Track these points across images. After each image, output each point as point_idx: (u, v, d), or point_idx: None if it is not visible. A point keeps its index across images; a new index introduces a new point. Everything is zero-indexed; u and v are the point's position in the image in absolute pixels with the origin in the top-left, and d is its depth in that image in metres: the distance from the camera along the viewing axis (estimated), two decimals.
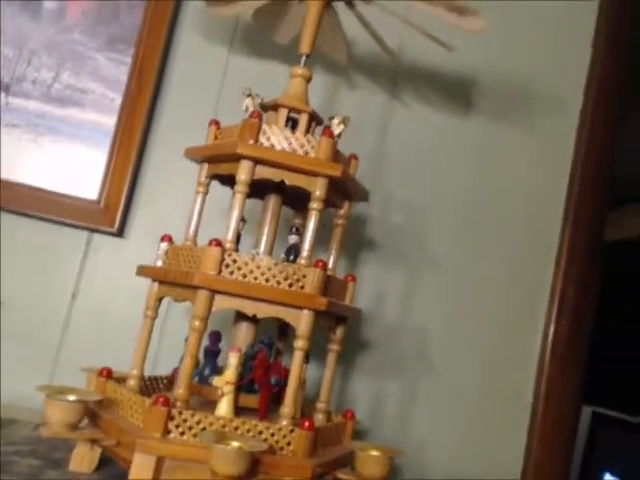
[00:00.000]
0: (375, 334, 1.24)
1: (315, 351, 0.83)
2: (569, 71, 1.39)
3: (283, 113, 0.86)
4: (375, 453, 0.79)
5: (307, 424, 0.73)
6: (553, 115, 1.37)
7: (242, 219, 0.82)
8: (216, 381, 0.75)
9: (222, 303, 0.74)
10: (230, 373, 0.75)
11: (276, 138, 0.79)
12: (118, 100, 1.17)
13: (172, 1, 1.19)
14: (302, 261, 0.79)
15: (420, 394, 1.26)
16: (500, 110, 1.34)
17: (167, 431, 0.69)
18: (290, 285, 0.75)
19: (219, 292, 0.73)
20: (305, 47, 0.88)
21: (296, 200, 0.92)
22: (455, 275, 1.30)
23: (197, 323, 0.73)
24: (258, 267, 0.75)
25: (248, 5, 1.02)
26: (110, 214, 1.14)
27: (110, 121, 1.16)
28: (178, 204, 1.14)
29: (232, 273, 0.74)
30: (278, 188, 0.88)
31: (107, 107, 1.17)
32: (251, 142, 0.78)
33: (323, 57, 1.10)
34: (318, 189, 0.78)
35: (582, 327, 1.35)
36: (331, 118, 0.86)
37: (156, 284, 0.83)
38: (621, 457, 2.49)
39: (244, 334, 0.87)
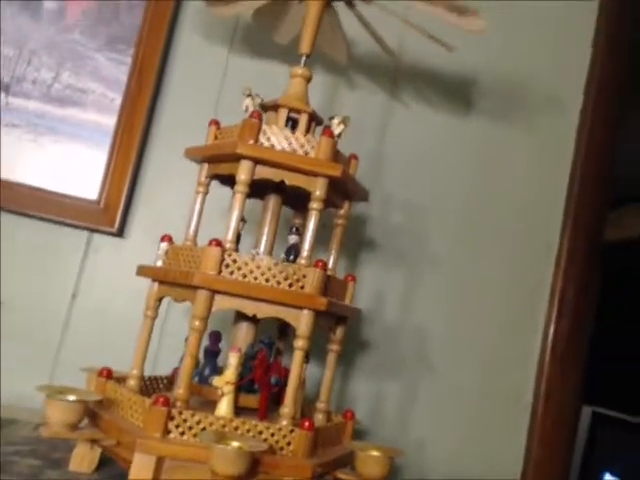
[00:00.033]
0: (375, 334, 1.24)
1: (315, 351, 0.83)
2: (569, 71, 1.39)
3: (283, 113, 0.86)
4: (375, 453, 0.79)
5: (307, 424, 0.73)
6: (553, 115, 1.37)
7: (242, 219, 0.82)
8: (216, 381, 0.75)
9: (222, 303, 0.74)
10: (230, 373, 0.75)
11: (276, 138, 0.79)
12: (118, 100, 1.17)
13: (172, 1, 1.19)
14: (302, 261, 0.79)
15: (420, 394, 1.26)
16: (500, 110, 1.34)
17: (167, 431, 0.69)
18: (290, 285, 0.75)
19: (219, 292, 0.73)
20: (305, 47, 0.88)
21: (296, 200, 0.92)
22: (455, 275, 1.30)
23: (197, 323, 0.73)
24: (258, 267, 0.75)
25: (248, 5, 1.02)
26: (110, 214, 1.14)
27: (110, 121, 1.16)
28: (178, 204, 1.14)
29: (232, 273, 0.74)
30: (278, 188, 0.88)
31: (107, 107, 1.17)
32: (251, 142, 0.78)
33: (323, 57, 1.10)
34: (318, 189, 0.78)
35: (582, 327, 1.35)
36: (331, 118, 0.86)
37: (156, 284, 0.83)
38: (621, 457, 2.49)
39: (244, 334, 0.88)
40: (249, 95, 0.86)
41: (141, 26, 1.18)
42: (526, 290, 1.33)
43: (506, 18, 1.34)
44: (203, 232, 0.86)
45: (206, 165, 0.86)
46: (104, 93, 1.17)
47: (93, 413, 0.76)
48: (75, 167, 1.15)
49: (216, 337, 0.90)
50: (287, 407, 0.75)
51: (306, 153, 0.79)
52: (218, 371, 0.85)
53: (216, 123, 0.85)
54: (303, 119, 0.86)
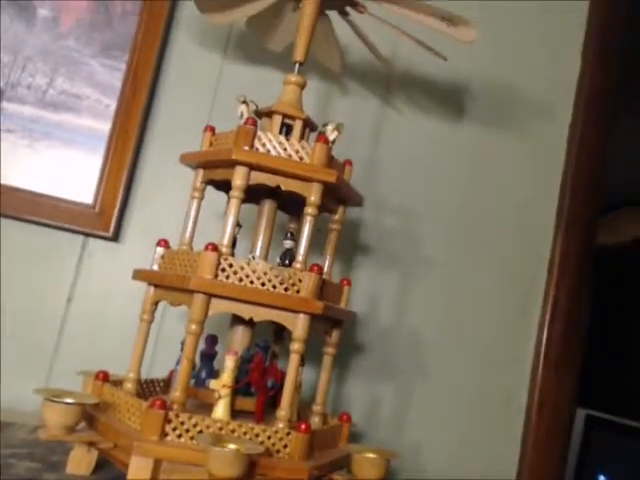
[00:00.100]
0: (370, 337, 1.25)
1: (310, 354, 0.84)
2: (560, 79, 1.41)
3: (277, 120, 0.87)
4: (371, 455, 0.79)
5: (303, 427, 0.74)
6: (544, 122, 1.39)
7: (238, 224, 0.83)
8: (213, 384, 0.76)
9: (218, 307, 0.75)
10: (227, 376, 0.76)
11: (271, 144, 0.80)
12: (113, 106, 1.17)
13: (166, 8, 1.20)
14: (297, 265, 0.80)
15: (415, 397, 1.26)
16: (492, 117, 1.36)
17: (164, 434, 0.70)
18: (286, 289, 0.76)
19: (215, 296, 0.74)
20: (299, 55, 0.89)
21: (291, 205, 0.93)
22: (449, 278, 1.31)
23: (193, 327, 0.74)
24: (254, 271, 0.76)
25: (242, 13, 1.04)
26: (105, 218, 1.15)
27: (105, 126, 1.17)
28: (173, 208, 1.15)
29: (228, 277, 0.75)
30: (273, 193, 0.89)
31: (102, 113, 1.17)
32: (246, 148, 0.79)
33: (317, 64, 1.11)
34: (313, 194, 0.79)
35: (575, 331, 1.35)
36: (325, 125, 0.87)
37: (152, 288, 0.84)
38: (615, 460, 2.50)
39: (240, 337, 0.88)
40: (244, 102, 0.86)
41: (135, 33, 1.19)
42: (519, 293, 1.35)
43: (498, 27, 1.36)
44: (198, 236, 0.87)
45: (201, 171, 0.87)
46: (99, 99, 1.18)
47: (90, 416, 0.77)
48: (70, 172, 1.15)
49: (212, 340, 0.91)
50: (283, 410, 0.76)
51: (301, 159, 0.80)
52: (214, 374, 0.86)
53: (211, 129, 0.86)
54: (297, 125, 0.87)
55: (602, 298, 2.29)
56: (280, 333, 0.97)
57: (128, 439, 0.70)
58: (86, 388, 0.89)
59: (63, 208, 1.14)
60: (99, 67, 1.18)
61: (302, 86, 0.89)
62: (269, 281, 0.76)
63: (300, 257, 0.80)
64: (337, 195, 0.87)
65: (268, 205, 0.91)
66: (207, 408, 0.77)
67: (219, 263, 0.75)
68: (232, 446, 0.66)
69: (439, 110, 1.33)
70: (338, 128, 0.87)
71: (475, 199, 1.34)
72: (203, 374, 0.87)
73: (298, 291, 0.76)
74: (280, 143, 0.80)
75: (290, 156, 0.80)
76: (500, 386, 1.32)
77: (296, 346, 0.76)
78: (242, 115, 0.85)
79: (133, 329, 0.85)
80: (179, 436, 0.70)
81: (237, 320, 0.88)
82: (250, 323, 0.86)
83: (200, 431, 0.71)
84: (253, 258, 0.84)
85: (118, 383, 0.84)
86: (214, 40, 1.23)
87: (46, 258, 1.14)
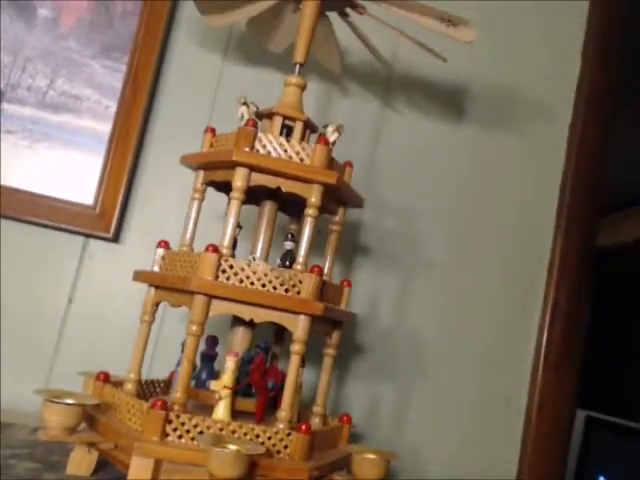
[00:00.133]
0: (370, 338, 1.25)
1: (311, 355, 0.84)
2: (560, 79, 1.41)
3: (278, 121, 0.87)
4: (371, 456, 0.80)
5: (304, 427, 0.74)
6: (544, 122, 1.39)
7: (238, 225, 0.83)
8: (213, 385, 0.76)
9: (219, 308, 0.75)
10: (227, 377, 0.76)
11: (272, 146, 0.80)
12: (113, 107, 1.18)
13: (167, 10, 1.20)
14: (298, 267, 0.80)
15: (415, 398, 1.27)
16: (491, 118, 1.36)
17: (165, 434, 0.70)
18: (286, 290, 0.76)
19: (216, 297, 0.74)
20: (299, 56, 0.90)
21: (291, 206, 0.93)
22: (449, 279, 1.31)
23: (194, 328, 0.74)
24: (254, 272, 0.76)
25: (243, 14, 1.04)
26: (105, 219, 1.15)
27: (105, 128, 1.17)
28: (173, 210, 1.15)
29: (229, 278, 0.75)
30: (274, 195, 0.89)
31: (102, 114, 1.17)
32: (247, 149, 0.79)
33: (317, 65, 1.12)
34: (313, 196, 0.80)
35: (575, 332, 1.35)
36: (325, 126, 0.87)
37: (153, 289, 0.84)
38: (615, 461, 2.50)
39: (240, 338, 0.88)
40: (244, 103, 0.87)
41: (136, 34, 1.19)
42: (519, 293, 1.35)
43: (498, 28, 1.36)
44: (199, 238, 0.87)
45: (202, 172, 0.87)
46: (99, 100, 1.18)
47: (91, 417, 0.77)
48: (70, 173, 1.15)
49: (213, 341, 0.91)
50: (284, 411, 0.76)
51: (301, 160, 0.80)
52: (215, 375, 0.86)
53: (212, 130, 0.86)
54: (298, 127, 0.87)
55: (602, 298, 2.29)
56: (280, 334, 0.97)
57: (129, 440, 0.70)
58: (86, 389, 0.90)
59: (63, 209, 1.14)
60: (99, 68, 1.18)
61: (302, 87, 0.89)
62: (269, 282, 0.76)
63: (300, 258, 0.80)
64: (337, 196, 0.87)
65: (268, 206, 0.91)
66: (208, 409, 0.77)
67: (220, 264, 0.75)
68: (233, 447, 0.66)
69: (439, 111, 1.33)
70: (338, 129, 0.87)
71: (475, 199, 1.34)
72: (204, 375, 0.87)
73: (299, 292, 0.76)
74: (281, 144, 0.80)
75: (290, 157, 0.80)
76: (500, 386, 1.32)
77: (296, 347, 0.76)
78: (242, 116, 0.86)
79: (133, 330, 0.85)
80: (180, 437, 0.70)
81: (237, 321, 0.88)
82: (251, 324, 0.87)
83: (201, 432, 0.71)
84: (254, 259, 0.84)
85: (118, 384, 0.84)
86: (214, 41, 1.23)
87: (46, 259, 1.14)
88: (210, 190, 0.90)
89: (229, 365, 0.76)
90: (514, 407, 1.32)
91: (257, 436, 0.72)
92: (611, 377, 3.02)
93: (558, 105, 1.40)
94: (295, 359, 0.76)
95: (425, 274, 1.29)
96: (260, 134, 0.80)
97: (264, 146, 0.80)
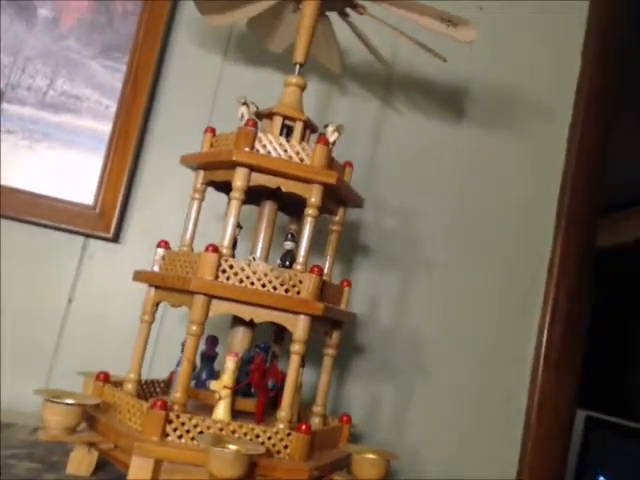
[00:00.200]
0: (370, 338, 1.25)
1: (311, 355, 0.84)
2: (560, 79, 1.41)
3: (278, 121, 0.87)
4: (371, 456, 0.80)
5: (304, 427, 0.74)
6: (544, 122, 1.39)
7: (238, 225, 0.83)
8: (213, 385, 0.76)
9: (219, 308, 0.75)
10: (227, 377, 0.76)
11: (272, 146, 0.80)
12: (113, 107, 1.17)
13: (167, 10, 1.20)
14: (298, 267, 0.80)
15: (415, 398, 1.27)
16: (491, 118, 1.36)
17: (165, 434, 0.70)
18: (286, 290, 0.76)
19: (216, 297, 0.74)
20: (299, 56, 0.90)
21: (291, 206, 0.93)
22: (449, 279, 1.31)
23: (194, 328, 0.74)
24: (254, 272, 0.76)
25: (243, 14, 1.04)
26: (106, 219, 1.15)
27: (105, 128, 1.17)
28: (173, 210, 1.15)
29: (229, 278, 0.75)
30: (273, 195, 0.89)
31: (102, 114, 1.17)
32: (247, 149, 0.79)
33: (317, 65, 1.12)
34: (313, 196, 0.80)
35: (575, 332, 1.36)
36: (326, 126, 0.87)
37: (153, 289, 0.84)
38: (615, 461, 2.50)
39: (240, 338, 0.88)
40: (244, 103, 0.87)
41: (136, 34, 1.19)
42: (519, 294, 1.35)
43: (498, 28, 1.36)
44: (198, 238, 0.87)
45: (202, 172, 0.87)
46: (99, 100, 1.18)
47: (91, 417, 0.77)
48: (71, 173, 1.15)
49: (213, 341, 0.91)
50: (284, 411, 0.76)
51: (301, 160, 0.80)
52: (215, 375, 0.86)
53: (212, 130, 0.86)
54: (298, 127, 0.87)
55: (602, 298, 2.29)
56: (280, 334, 0.97)
57: (129, 440, 0.70)
58: (86, 389, 0.90)
59: (63, 209, 1.14)
60: (99, 68, 1.18)
61: (302, 87, 0.89)
62: (269, 282, 0.76)
63: (300, 258, 0.80)
64: (337, 196, 0.87)
65: (268, 206, 0.91)
66: (208, 409, 0.77)
67: (220, 264, 0.75)
68: (233, 447, 0.66)
69: (439, 111, 1.33)
70: (338, 129, 0.87)
71: (475, 199, 1.34)
72: (204, 375, 0.87)
73: (299, 292, 0.76)
74: (281, 144, 0.80)
75: (290, 157, 0.80)
76: (500, 387, 1.32)
77: (296, 347, 0.76)
78: (242, 116, 0.85)
79: (133, 330, 0.85)
80: (180, 437, 0.70)
81: (237, 321, 0.88)
82: (250, 324, 0.86)
83: (201, 432, 0.71)
84: (254, 259, 0.84)
85: (118, 384, 0.84)
86: (214, 41, 1.23)
87: (46, 259, 1.14)
88: (210, 190, 0.90)
89: (229, 365, 0.76)
90: (514, 407, 1.32)
91: (257, 436, 0.72)
92: (611, 377, 3.02)
93: (558, 105, 1.40)
94: (295, 359, 0.76)
95: (425, 274, 1.29)
96: (260, 134, 0.80)
97: (264, 146, 0.80)
